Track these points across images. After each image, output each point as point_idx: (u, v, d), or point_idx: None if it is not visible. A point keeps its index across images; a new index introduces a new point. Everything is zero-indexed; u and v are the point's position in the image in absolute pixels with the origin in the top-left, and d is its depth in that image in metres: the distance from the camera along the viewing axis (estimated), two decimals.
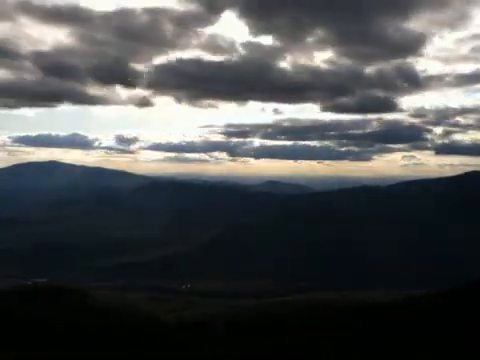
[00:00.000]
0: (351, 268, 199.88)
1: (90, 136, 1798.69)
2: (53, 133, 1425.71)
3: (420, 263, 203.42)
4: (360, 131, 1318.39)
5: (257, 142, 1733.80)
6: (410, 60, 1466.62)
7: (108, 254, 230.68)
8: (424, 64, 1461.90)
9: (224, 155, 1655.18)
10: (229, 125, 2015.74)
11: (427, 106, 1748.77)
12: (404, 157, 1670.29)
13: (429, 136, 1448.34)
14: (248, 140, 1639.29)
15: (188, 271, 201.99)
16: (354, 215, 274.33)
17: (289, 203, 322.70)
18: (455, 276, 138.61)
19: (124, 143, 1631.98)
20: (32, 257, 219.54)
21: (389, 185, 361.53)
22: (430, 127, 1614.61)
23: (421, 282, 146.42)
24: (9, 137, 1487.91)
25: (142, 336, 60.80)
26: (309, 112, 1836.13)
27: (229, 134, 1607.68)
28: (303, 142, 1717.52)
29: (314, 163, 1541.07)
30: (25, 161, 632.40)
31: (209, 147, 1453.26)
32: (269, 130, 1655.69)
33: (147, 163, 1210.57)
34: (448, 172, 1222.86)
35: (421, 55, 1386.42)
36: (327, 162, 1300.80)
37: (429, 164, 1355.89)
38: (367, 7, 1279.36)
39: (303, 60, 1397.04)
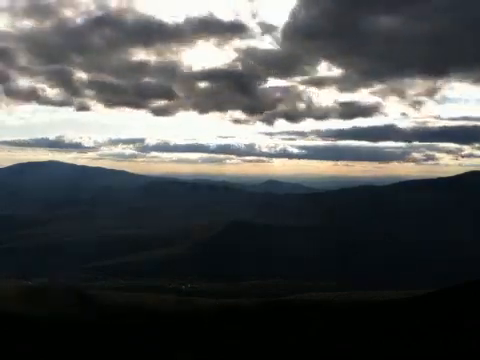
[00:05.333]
0: (351, 268, 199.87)
1: (93, 137, 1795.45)
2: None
3: (421, 263, 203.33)
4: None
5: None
6: None
7: (108, 254, 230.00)
8: None
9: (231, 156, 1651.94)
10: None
11: None
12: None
13: None
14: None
15: (188, 271, 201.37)
16: (354, 215, 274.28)
17: (289, 202, 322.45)
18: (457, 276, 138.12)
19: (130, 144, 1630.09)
20: (32, 257, 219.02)
21: (390, 184, 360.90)
22: None
23: (424, 282, 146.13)
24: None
25: (142, 336, 60.47)
26: None
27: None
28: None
29: (327, 163, 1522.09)
30: (25, 161, 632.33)
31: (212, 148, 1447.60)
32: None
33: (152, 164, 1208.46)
34: None
35: None
36: (344, 162, 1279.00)
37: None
38: None
39: None
